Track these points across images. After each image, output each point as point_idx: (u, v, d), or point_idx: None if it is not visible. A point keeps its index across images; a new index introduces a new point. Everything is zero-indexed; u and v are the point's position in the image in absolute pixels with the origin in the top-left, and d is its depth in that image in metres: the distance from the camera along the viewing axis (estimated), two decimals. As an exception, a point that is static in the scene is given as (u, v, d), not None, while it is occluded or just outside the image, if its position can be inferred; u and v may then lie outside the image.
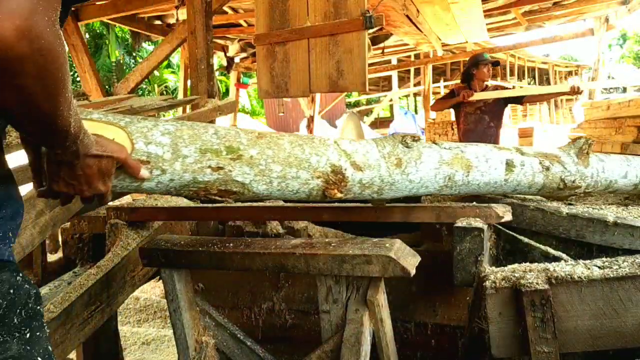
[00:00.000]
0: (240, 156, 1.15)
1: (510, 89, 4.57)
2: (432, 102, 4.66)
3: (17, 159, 2.65)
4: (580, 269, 1.33)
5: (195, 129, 1.12)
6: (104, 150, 0.93)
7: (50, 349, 0.79)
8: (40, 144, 0.86)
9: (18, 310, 0.74)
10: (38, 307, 0.80)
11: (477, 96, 4.26)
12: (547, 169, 1.82)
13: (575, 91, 4.07)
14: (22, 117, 0.73)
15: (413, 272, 1.28)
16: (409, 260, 1.31)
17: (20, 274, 0.79)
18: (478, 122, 4.34)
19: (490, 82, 4.56)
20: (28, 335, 0.75)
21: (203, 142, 1.11)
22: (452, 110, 4.66)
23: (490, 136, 4.37)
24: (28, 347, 0.75)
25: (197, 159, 1.09)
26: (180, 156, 1.06)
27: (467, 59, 12.24)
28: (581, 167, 1.88)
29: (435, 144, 1.62)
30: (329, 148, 1.32)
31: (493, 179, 1.72)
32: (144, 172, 1.02)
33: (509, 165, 1.73)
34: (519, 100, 4.55)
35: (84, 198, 0.95)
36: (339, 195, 1.33)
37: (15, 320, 0.74)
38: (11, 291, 0.74)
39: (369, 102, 22.96)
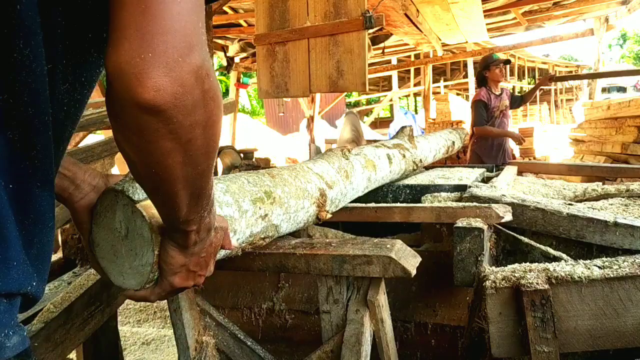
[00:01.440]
0: (274, 199, 1.22)
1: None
2: (467, 121, 4.74)
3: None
4: (580, 269, 1.33)
5: (235, 182, 1.12)
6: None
7: None
8: (174, 218, 0.66)
9: None
10: None
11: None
12: (404, 156, 2.30)
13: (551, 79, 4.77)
14: (175, 182, 0.59)
15: (414, 272, 1.28)
16: (410, 260, 1.31)
17: None
18: (500, 125, 4.44)
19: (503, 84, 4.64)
20: None
21: (250, 193, 1.12)
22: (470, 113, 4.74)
23: (506, 140, 4.62)
24: None
25: (253, 211, 1.11)
26: (243, 212, 1.06)
27: (467, 59, 12.23)
28: (414, 150, 2.49)
29: (348, 152, 1.87)
30: (309, 174, 1.49)
31: (385, 172, 2.10)
32: (234, 242, 0.90)
33: (389, 158, 2.14)
34: (521, 101, 4.79)
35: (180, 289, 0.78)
36: (328, 216, 1.51)
37: None
38: None
39: (369, 102, 22.96)
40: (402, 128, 2.68)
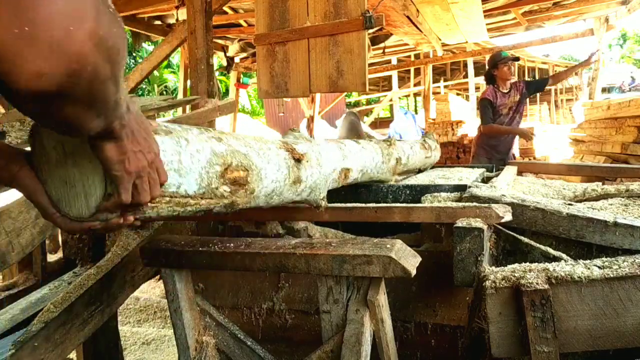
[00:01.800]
0: (222, 134, 1.16)
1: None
2: (481, 122, 4.55)
3: (17, 159, 2.65)
4: (580, 269, 1.33)
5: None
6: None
7: None
8: (93, 134, 0.62)
9: None
10: None
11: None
12: (371, 139, 2.27)
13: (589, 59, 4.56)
14: (84, 122, 0.53)
15: (414, 272, 1.28)
16: (410, 260, 1.31)
17: None
18: (510, 121, 4.37)
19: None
20: None
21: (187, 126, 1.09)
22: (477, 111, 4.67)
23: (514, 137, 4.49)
24: None
25: (199, 131, 1.06)
26: (185, 129, 1.01)
27: (467, 59, 12.19)
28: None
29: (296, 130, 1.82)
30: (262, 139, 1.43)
31: (357, 148, 1.99)
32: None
33: (355, 141, 2.07)
34: (544, 82, 4.64)
35: (144, 192, 0.75)
36: (306, 160, 1.46)
37: None
38: None
39: (369, 102, 22.96)
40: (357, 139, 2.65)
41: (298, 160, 1.43)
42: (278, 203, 1.44)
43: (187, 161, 0.96)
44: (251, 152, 1.22)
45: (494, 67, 4.35)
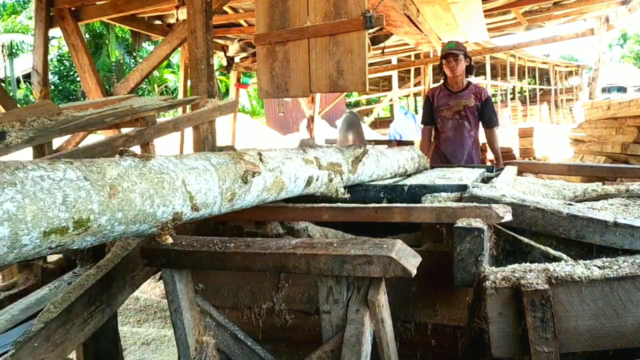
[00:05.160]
0: (88, 227, 1.06)
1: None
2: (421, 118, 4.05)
3: (17, 158, 2.65)
4: (580, 269, 1.33)
5: (41, 200, 0.95)
6: None
7: None
8: None
9: None
10: None
11: None
12: (331, 180, 2.02)
13: None
14: None
15: (414, 272, 1.28)
16: (410, 260, 1.31)
17: None
18: (457, 128, 3.75)
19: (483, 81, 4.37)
20: None
21: (49, 220, 0.98)
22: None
23: (470, 145, 3.78)
24: None
25: (37, 244, 0.97)
26: (18, 247, 0.94)
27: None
28: (351, 174, 2.15)
29: (263, 160, 1.60)
30: (176, 192, 1.27)
31: (293, 194, 1.86)
32: None
33: (309, 182, 1.89)
34: (490, 122, 3.89)
35: None
36: (169, 240, 1.29)
37: None
38: None
39: (369, 102, 22.97)
40: (358, 147, 2.24)
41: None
42: None
43: None
44: None
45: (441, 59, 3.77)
